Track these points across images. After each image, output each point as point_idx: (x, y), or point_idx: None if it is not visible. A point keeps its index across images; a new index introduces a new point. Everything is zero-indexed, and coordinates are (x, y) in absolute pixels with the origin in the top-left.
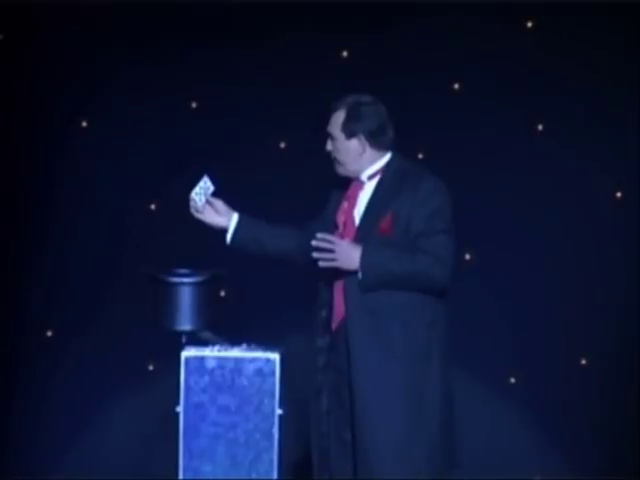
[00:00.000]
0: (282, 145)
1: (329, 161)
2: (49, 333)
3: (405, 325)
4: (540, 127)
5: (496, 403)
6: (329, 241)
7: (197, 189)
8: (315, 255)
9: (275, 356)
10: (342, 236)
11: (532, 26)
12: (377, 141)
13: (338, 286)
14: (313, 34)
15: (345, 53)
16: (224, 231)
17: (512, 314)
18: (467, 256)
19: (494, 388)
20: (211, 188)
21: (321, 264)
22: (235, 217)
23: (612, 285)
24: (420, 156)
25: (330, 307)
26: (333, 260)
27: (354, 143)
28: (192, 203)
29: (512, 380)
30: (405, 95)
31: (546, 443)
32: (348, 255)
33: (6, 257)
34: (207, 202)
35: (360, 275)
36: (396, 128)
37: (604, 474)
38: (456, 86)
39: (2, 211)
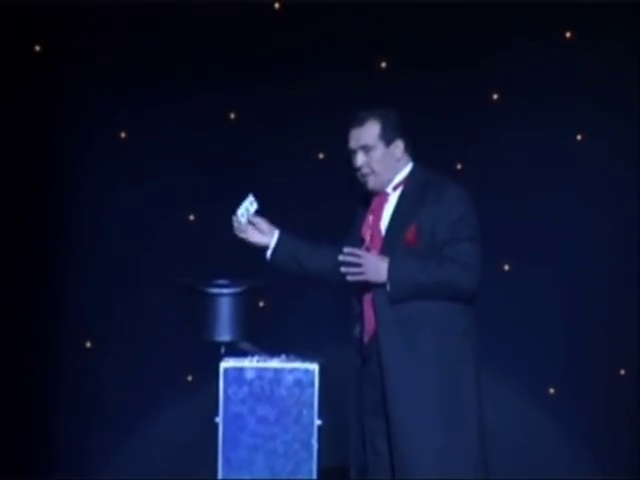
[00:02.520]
0: (321, 156)
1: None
2: (88, 344)
3: (437, 334)
4: (579, 137)
5: (535, 413)
6: (356, 255)
7: (241, 208)
8: (343, 270)
9: (314, 366)
10: (369, 249)
11: (571, 36)
12: (409, 148)
13: (368, 299)
14: (351, 43)
15: (384, 64)
16: (264, 248)
17: (551, 325)
18: (506, 266)
19: (533, 398)
20: (255, 207)
21: (349, 278)
22: (276, 235)
23: None
24: (459, 166)
25: (362, 321)
26: (361, 274)
27: (393, 149)
28: (235, 223)
29: (551, 390)
30: (443, 105)
31: (585, 453)
32: (376, 268)
33: (45, 268)
34: (250, 222)
35: (388, 287)
36: (434, 140)
37: None
38: (495, 96)
39: (42, 222)
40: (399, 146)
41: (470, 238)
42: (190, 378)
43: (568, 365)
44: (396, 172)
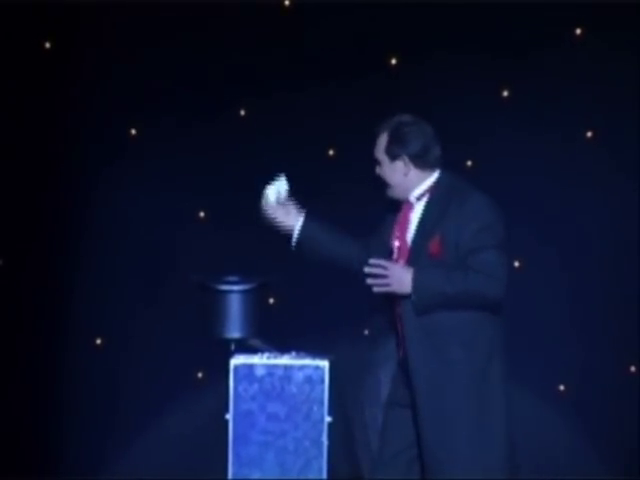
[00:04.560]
0: (330, 152)
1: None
2: (98, 341)
3: (465, 344)
4: (589, 134)
5: (545, 411)
6: (381, 266)
7: (272, 188)
8: (369, 282)
9: (324, 363)
10: (397, 261)
11: (581, 33)
12: (422, 162)
13: (397, 310)
14: (361, 40)
15: (394, 60)
16: (283, 237)
17: (561, 322)
18: (516, 263)
19: (543, 396)
20: (286, 188)
21: (375, 290)
22: (302, 217)
23: None
24: (469, 163)
25: (395, 332)
26: (387, 285)
27: (398, 165)
28: (264, 201)
29: (561, 387)
30: (453, 102)
31: (595, 451)
32: (400, 279)
33: (54, 265)
34: (279, 202)
35: (413, 298)
36: (444, 137)
37: None
38: (505, 93)
39: (52, 219)
40: (405, 162)
41: (495, 246)
42: (200, 375)
43: (578, 362)
44: (413, 184)
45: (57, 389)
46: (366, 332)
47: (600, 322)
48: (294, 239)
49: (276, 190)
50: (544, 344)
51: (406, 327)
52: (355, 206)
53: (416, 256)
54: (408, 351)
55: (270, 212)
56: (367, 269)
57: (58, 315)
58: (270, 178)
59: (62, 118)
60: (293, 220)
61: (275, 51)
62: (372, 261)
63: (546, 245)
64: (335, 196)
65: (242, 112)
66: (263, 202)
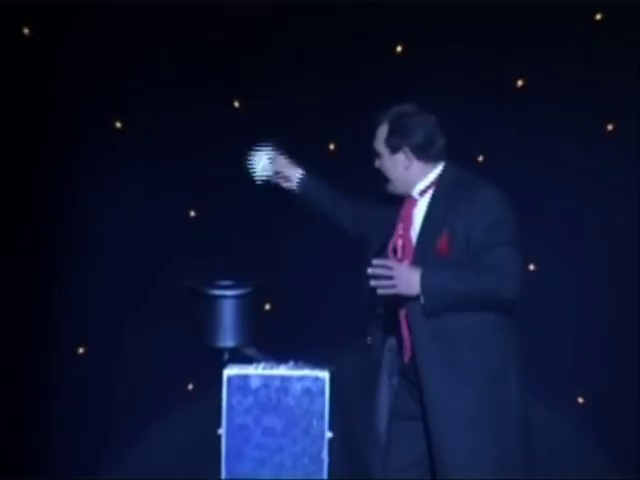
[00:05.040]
0: (331, 147)
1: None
2: (80, 350)
3: (478, 348)
4: (610, 127)
5: (563, 423)
6: (386, 267)
7: (259, 166)
8: (373, 283)
9: (324, 374)
10: (401, 261)
11: (601, 18)
12: (425, 153)
13: (402, 314)
14: (366, 27)
15: (399, 48)
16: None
17: (578, 331)
18: (531, 266)
19: (561, 408)
20: (272, 160)
21: (380, 292)
22: (299, 172)
23: None
24: (480, 159)
25: (400, 337)
26: (392, 287)
27: (399, 158)
28: (259, 180)
29: (580, 400)
30: (463, 93)
31: (615, 464)
32: (407, 280)
33: (34, 267)
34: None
35: (422, 300)
36: (451, 129)
37: None
38: (519, 83)
39: (33, 220)
40: (406, 154)
41: (508, 242)
42: (191, 387)
43: (598, 373)
44: (416, 178)
45: (37, 401)
46: (369, 340)
47: (621, 331)
48: (297, 183)
49: (263, 168)
50: (562, 355)
51: (414, 331)
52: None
53: (422, 255)
54: (417, 357)
55: (266, 175)
56: (371, 270)
57: (37, 321)
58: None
59: (41, 109)
60: (291, 171)
61: (272, 38)
62: (376, 261)
63: (563, 247)
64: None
65: (236, 104)
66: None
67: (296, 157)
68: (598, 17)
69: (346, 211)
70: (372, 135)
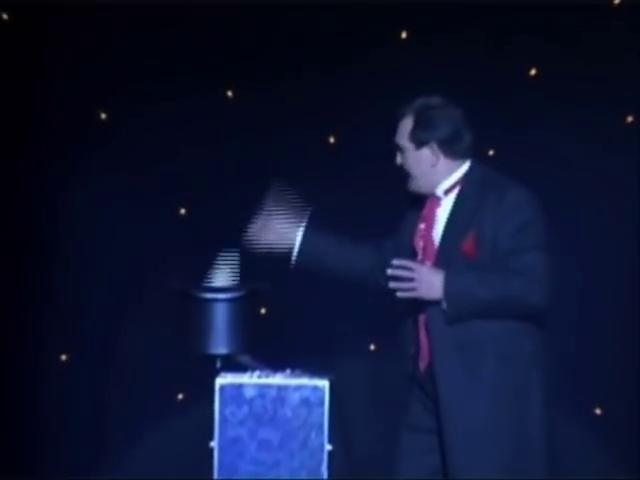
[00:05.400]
0: (332, 140)
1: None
2: (63, 357)
3: (502, 359)
4: (630, 119)
5: (581, 435)
6: (407, 268)
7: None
8: (392, 285)
9: (324, 383)
10: (422, 262)
11: (619, 2)
12: (452, 149)
13: (422, 320)
14: (367, 11)
15: (404, 34)
16: (282, 256)
17: (596, 340)
18: None
19: (578, 420)
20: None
21: (399, 295)
22: (301, 233)
23: None
24: (491, 153)
25: (417, 344)
26: (413, 289)
27: (425, 153)
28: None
29: (598, 411)
30: (472, 82)
31: (634, 478)
32: (429, 283)
33: (14, 270)
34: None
35: (444, 305)
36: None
37: None
38: (533, 72)
39: (9, 218)
40: (433, 150)
41: (537, 247)
42: (181, 397)
43: (616, 384)
44: (441, 176)
45: (18, 409)
46: (372, 347)
47: (637, 341)
48: (294, 257)
49: (269, 224)
50: (579, 364)
51: (434, 338)
52: (359, 200)
53: (446, 257)
54: (435, 366)
55: (264, 232)
56: (390, 271)
57: (19, 326)
58: (265, 168)
59: (18, 100)
60: (290, 236)
61: (267, 23)
62: (396, 262)
63: (581, 247)
64: (336, 189)
65: (229, 93)
66: (255, 229)
67: (294, 151)
68: (616, 0)
69: (363, 260)
70: (375, 127)
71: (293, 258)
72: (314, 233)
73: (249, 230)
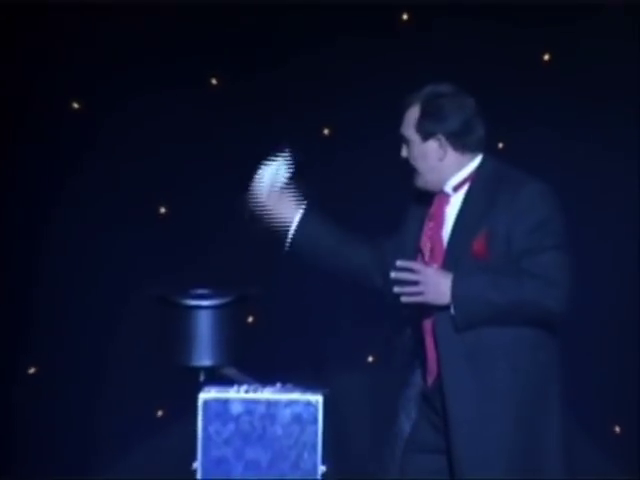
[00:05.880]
0: (325, 132)
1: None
2: (31, 370)
3: (517, 369)
4: None
5: (599, 454)
6: (412, 270)
7: (269, 168)
8: (396, 290)
9: (317, 398)
10: (429, 264)
11: None
12: (462, 142)
13: (428, 327)
14: None
15: (405, 16)
16: (274, 235)
17: (616, 355)
18: None
19: (596, 438)
20: (284, 172)
21: (404, 299)
22: (301, 210)
23: None
24: (500, 146)
25: (424, 354)
26: (419, 294)
27: (432, 146)
28: (258, 184)
29: (617, 429)
30: (479, 69)
31: None
32: (437, 286)
33: None
34: (275, 189)
35: (453, 310)
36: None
37: None
38: (546, 57)
39: None
40: (441, 142)
41: (555, 247)
42: (160, 413)
43: (636, 401)
44: (450, 171)
45: None
46: (370, 359)
47: None
48: (290, 236)
49: (273, 173)
50: (598, 380)
51: (441, 347)
52: (355, 195)
53: (455, 258)
54: (443, 379)
55: (262, 200)
56: (394, 274)
57: None
58: (253, 163)
59: None
60: (290, 212)
61: (257, 10)
62: (400, 263)
63: (599, 250)
64: (331, 183)
65: (214, 80)
66: (255, 187)
67: (287, 144)
68: None
69: (365, 254)
70: (372, 118)
71: (288, 239)
72: (313, 217)
73: (253, 197)
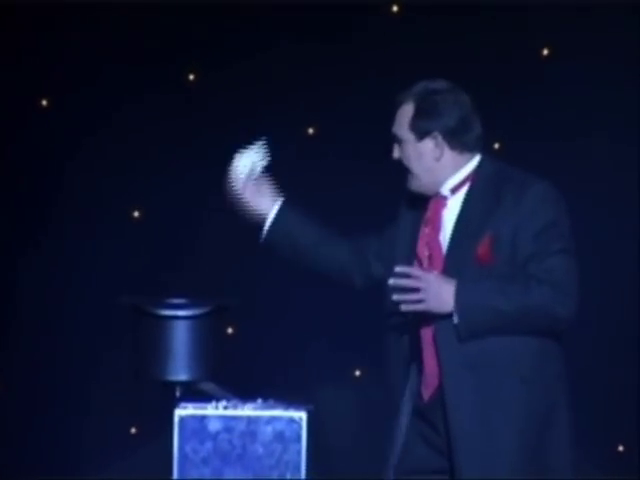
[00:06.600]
0: (310, 131)
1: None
2: None
3: (524, 381)
4: None
5: (602, 473)
6: (413, 276)
7: (245, 158)
8: (396, 297)
9: (301, 415)
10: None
11: None
12: (459, 141)
13: (427, 336)
14: None
15: (395, 7)
16: (251, 228)
17: (620, 372)
18: None
19: (600, 456)
20: (261, 160)
21: (404, 308)
22: (278, 203)
23: None
24: (496, 146)
25: (420, 367)
26: (420, 302)
27: (428, 145)
28: (233, 175)
29: (620, 448)
30: (475, 63)
31: None
32: (438, 293)
33: None
34: (251, 178)
35: (456, 319)
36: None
37: None
38: (545, 52)
39: None
40: (437, 141)
41: (563, 251)
42: (134, 431)
43: (639, 420)
44: (447, 172)
45: None
46: (357, 373)
47: None
48: (265, 229)
49: (249, 161)
50: (600, 398)
51: (443, 359)
52: (340, 195)
53: (456, 264)
54: (445, 392)
55: (237, 190)
56: (392, 281)
57: None
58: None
59: None
60: (266, 204)
61: (239, 5)
62: (399, 269)
63: (604, 254)
64: (314, 184)
65: (191, 77)
66: (231, 175)
67: (271, 143)
68: None
69: (344, 250)
70: (358, 117)
71: (264, 230)
72: (290, 210)
73: (230, 185)
